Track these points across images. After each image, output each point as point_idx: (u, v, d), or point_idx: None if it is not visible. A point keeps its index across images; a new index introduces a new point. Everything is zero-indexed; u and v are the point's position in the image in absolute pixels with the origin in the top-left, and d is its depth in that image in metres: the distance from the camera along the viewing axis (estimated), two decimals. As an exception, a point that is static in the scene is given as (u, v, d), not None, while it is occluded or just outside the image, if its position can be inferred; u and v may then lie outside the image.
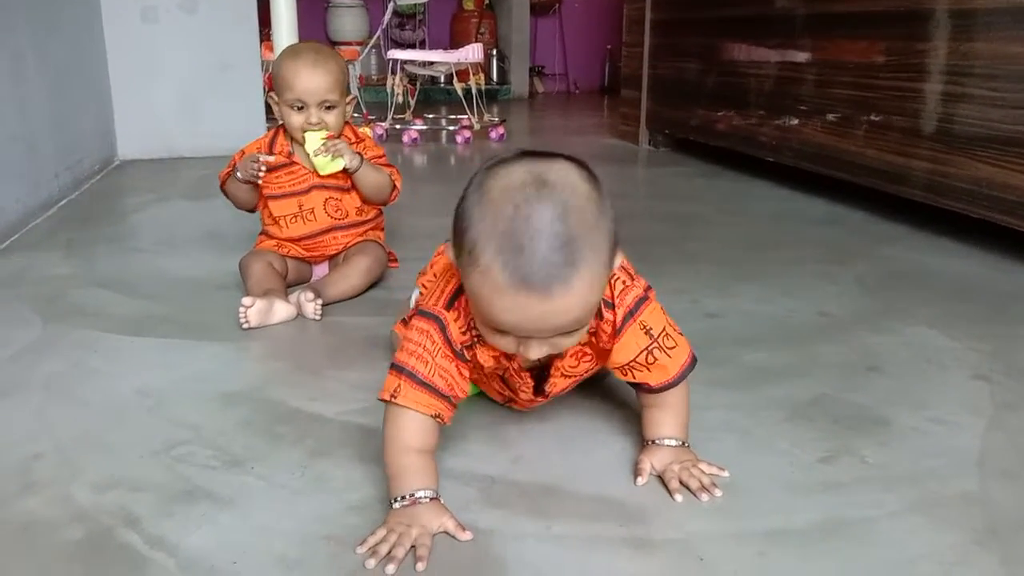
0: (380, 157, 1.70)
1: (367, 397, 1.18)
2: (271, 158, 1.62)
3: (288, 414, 1.15)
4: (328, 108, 1.59)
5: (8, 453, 1.04)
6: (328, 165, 1.60)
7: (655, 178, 3.10)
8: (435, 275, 0.98)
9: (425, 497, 0.87)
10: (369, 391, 1.20)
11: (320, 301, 1.50)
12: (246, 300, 1.44)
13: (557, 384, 1.01)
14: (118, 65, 3.22)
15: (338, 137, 1.62)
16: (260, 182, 1.62)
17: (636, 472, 0.97)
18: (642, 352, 0.94)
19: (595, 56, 7.08)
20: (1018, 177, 1.76)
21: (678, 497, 0.92)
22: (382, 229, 1.78)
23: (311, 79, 1.56)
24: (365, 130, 1.90)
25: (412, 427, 0.89)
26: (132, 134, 3.29)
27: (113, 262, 1.90)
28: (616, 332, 0.93)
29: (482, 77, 4.22)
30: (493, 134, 3.95)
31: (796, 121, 2.58)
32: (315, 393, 1.21)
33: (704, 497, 0.92)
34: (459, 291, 0.89)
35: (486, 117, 4.20)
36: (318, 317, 1.49)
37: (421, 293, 1.03)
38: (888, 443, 1.06)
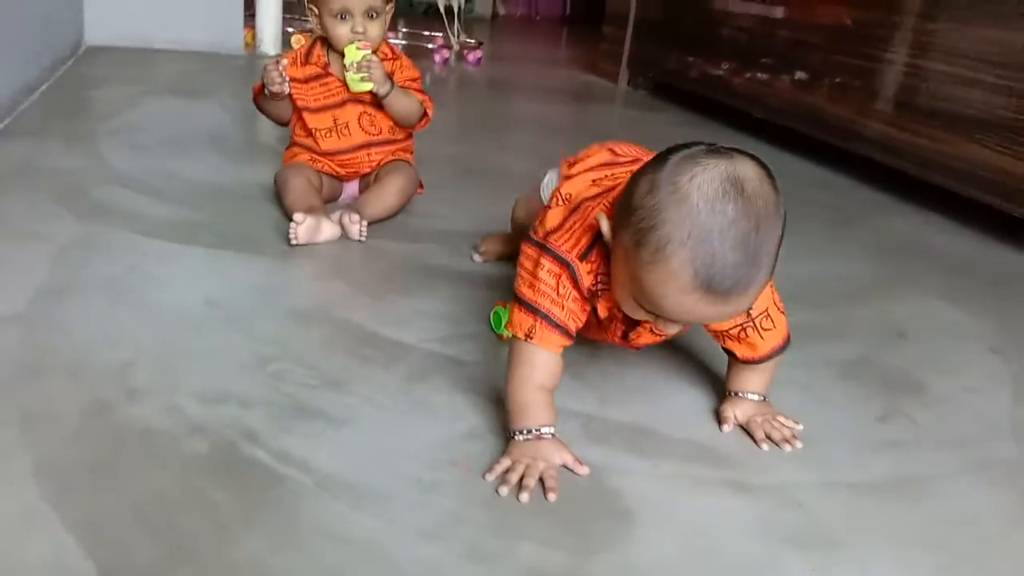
0: (415, 80, 1.69)
1: (442, 327, 1.21)
2: (284, 61, 1.59)
3: (368, 337, 1.16)
4: (372, 16, 1.57)
5: (96, 356, 1.04)
6: (358, 84, 1.58)
7: (632, 121, 3.10)
8: (568, 201, 0.97)
9: (548, 433, 0.91)
10: (442, 321, 1.23)
11: (365, 223, 1.50)
12: (298, 216, 1.43)
13: (642, 336, 1.06)
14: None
15: (376, 49, 1.60)
16: (285, 91, 1.58)
17: (721, 420, 1.03)
18: (736, 327, 0.99)
19: (559, -16, 6.98)
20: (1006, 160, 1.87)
21: (764, 446, 0.99)
22: (411, 152, 1.77)
23: None
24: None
25: (543, 364, 0.93)
26: (101, 19, 3.11)
27: (123, 160, 1.83)
28: None
29: (464, -6, 4.11)
30: (471, 57, 3.88)
31: (792, 79, 2.64)
32: (387, 318, 1.23)
33: (787, 448, 0.99)
34: (594, 243, 0.92)
35: (462, 38, 4.13)
36: (363, 239, 1.50)
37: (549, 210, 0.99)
38: (929, 407, 1.15)
